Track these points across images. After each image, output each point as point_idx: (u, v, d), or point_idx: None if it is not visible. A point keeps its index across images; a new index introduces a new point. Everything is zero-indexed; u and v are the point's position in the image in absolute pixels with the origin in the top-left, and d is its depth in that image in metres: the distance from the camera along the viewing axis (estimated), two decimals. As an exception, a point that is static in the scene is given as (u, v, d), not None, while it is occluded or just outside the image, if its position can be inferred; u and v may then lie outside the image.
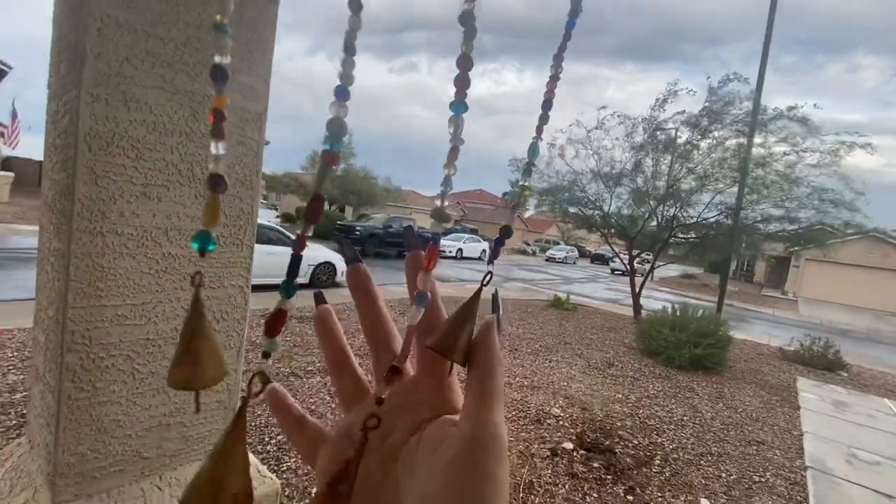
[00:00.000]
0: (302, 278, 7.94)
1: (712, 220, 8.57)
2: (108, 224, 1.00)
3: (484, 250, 23.26)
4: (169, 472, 1.17)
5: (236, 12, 1.10)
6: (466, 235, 23.79)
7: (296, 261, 0.24)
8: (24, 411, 2.63)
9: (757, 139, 7.79)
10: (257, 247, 1.29)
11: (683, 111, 8.27)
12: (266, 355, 0.25)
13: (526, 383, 4.63)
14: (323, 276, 8.86)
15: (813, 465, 3.60)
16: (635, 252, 9.53)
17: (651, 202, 8.65)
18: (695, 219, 8.66)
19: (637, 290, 9.23)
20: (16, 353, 3.47)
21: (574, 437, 3.50)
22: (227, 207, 1.18)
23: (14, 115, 15.52)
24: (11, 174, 15.56)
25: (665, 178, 8.57)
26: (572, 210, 9.65)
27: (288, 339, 4.80)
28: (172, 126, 1.04)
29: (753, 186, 7.82)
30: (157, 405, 1.13)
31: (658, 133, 8.53)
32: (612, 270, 26.33)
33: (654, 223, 8.89)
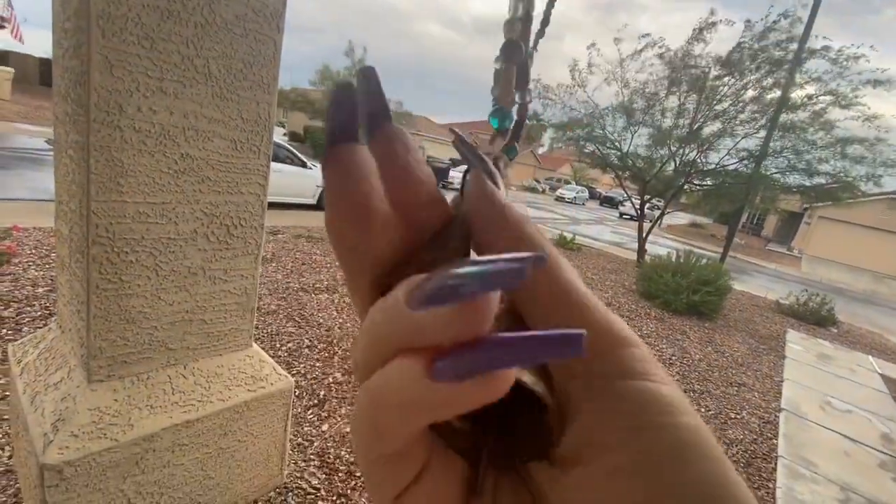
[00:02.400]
0: (310, 199, 7.90)
1: (731, 167, 8.31)
2: (125, 118, 0.98)
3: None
4: (192, 363, 1.26)
5: None
6: (477, 168, 23.23)
7: None
8: (48, 304, 2.77)
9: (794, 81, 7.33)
10: (274, 155, 1.27)
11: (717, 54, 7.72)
12: None
13: (524, 315, 4.79)
14: (331, 196, 8.84)
15: (787, 408, 3.81)
16: (647, 197, 9.37)
17: (672, 145, 8.34)
18: (714, 165, 8.39)
19: (644, 234, 9.21)
20: (34, 251, 3.58)
21: (566, 367, 3.69)
22: (243, 111, 1.14)
23: (10, 5, 14.51)
24: (11, 69, 14.95)
25: (689, 118, 8.20)
26: (590, 148, 9.34)
27: (297, 257, 4.90)
28: (187, 15, 0.98)
29: (780, 131, 7.50)
30: (180, 301, 1.18)
31: (690, 70, 8.00)
32: (621, 214, 26.11)
33: (672, 167, 8.63)
